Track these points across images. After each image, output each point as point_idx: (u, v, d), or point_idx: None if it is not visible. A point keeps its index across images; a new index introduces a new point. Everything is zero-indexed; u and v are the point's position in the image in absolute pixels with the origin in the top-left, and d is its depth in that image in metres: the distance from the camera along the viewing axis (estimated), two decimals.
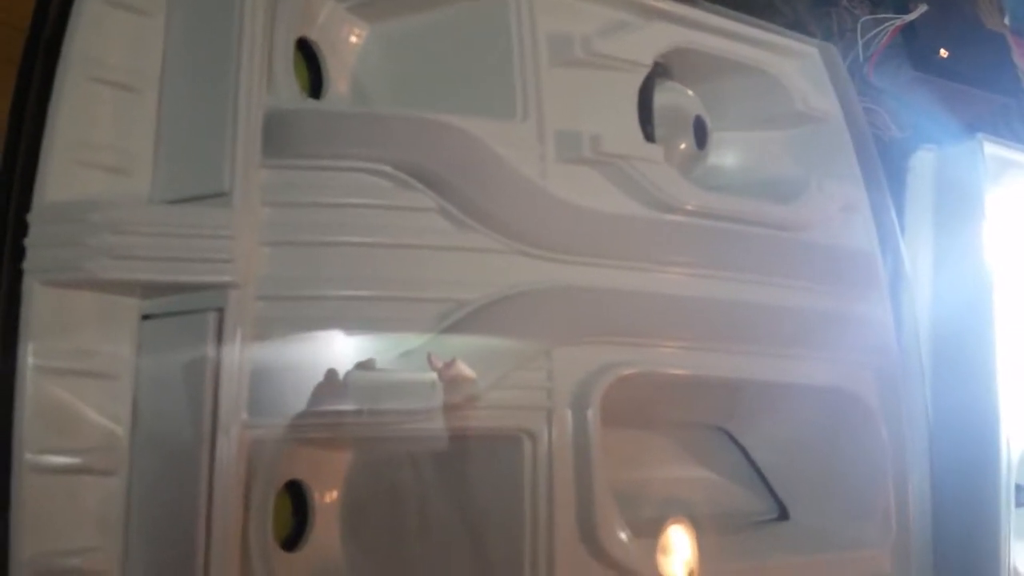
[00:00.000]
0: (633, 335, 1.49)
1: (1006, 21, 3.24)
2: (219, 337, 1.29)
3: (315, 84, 1.62)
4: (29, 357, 1.25)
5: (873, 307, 1.77)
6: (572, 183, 1.51)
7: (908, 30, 2.86)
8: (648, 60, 1.61)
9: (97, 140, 1.36)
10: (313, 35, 1.58)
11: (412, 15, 1.62)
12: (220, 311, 1.30)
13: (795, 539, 1.73)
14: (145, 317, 1.35)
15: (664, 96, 1.70)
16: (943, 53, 2.87)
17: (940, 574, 1.83)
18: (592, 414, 1.41)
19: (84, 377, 1.29)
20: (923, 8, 2.84)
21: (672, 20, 1.66)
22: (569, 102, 1.54)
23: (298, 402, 1.32)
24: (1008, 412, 1.93)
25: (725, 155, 1.80)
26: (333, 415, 1.32)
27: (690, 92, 1.76)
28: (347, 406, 1.32)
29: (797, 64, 1.83)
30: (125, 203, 1.34)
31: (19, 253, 1.28)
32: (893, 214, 1.82)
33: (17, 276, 1.28)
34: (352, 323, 1.36)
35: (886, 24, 2.80)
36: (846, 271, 1.74)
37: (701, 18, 1.70)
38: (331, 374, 1.33)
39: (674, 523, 1.56)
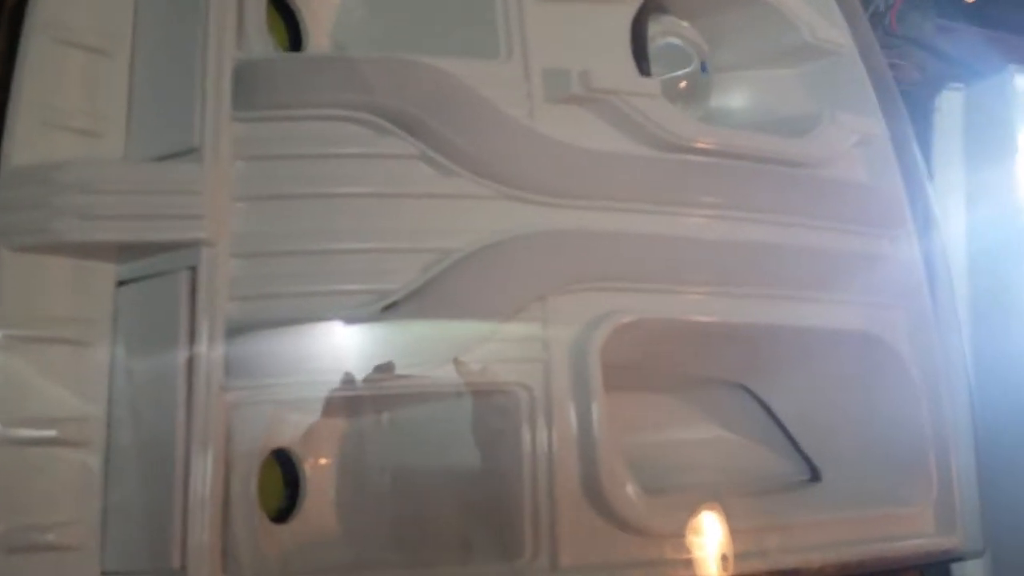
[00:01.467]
0: (634, 280, 1.39)
1: None
2: (192, 297, 1.24)
3: (294, 42, 1.57)
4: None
5: (899, 247, 1.65)
6: (562, 123, 1.42)
7: None
8: None
9: (66, 104, 1.32)
10: None
11: None
12: (192, 269, 1.25)
13: (829, 499, 1.61)
14: (121, 283, 1.31)
15: (658, 29, 1.60)
16: None
17: (990, 532, 1.69)
18: (592, 363, 1.32)
19: (57, 345, 1.24)
20: None
21: None
22: (556, 39, 1.45)
23: (279, 363, 1.26)
24: None
25: (729, 95, 1.70)
26: (316, 374, 1.26)
27: (686, 24, 1.67)
28: (331, 365, 1.25)
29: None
30: (93, 164, 1.30)
31: None
32: (916, 148, 1.70)
33: None
34: (333, 277, 1.30)
35: None
36: (867, 208, 1.63)
37: None
38: (311, 331, 1.26)
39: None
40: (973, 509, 1.68)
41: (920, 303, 1.66)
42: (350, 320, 1.26)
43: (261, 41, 1.43)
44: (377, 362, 1.26)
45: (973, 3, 2.74)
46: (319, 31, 1.57)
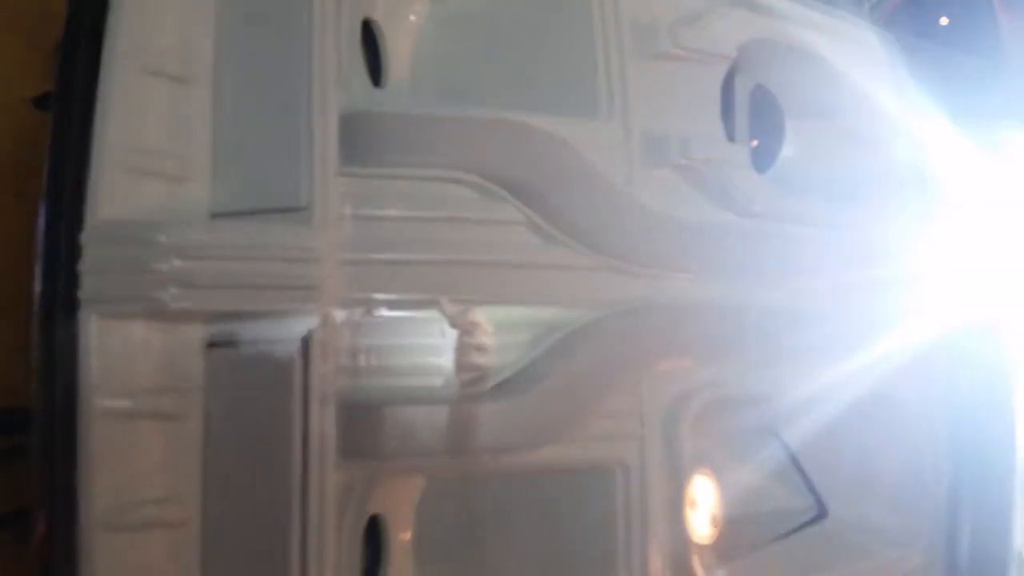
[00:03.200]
0: (724, 353, 1.43)
1: None
2: (305, 371, 1.17)
3: (372, 68, 1.46)
4: (92, 402, 1.11)
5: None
6: (657, 189, 1.41)
7: None
8: (732, 51, 1.51)
9: (151, 143, 1.19)
10: (376, 14, 1.42)
11: None
12: (305, 341, 1.17)
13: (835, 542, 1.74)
14: (212, 344, 1.22)
15: (746, 90, 1.60)
16: (944, 21, 2.84)
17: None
18: (683, 437, 1.36)
19: (150, 420, 1.15)
20: None
21: (751, 7, 1.55)
22: (653, 99, 1.43)
23: (388, 438, 1.22)
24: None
25: (795, 147, 1.72)
26: (427, 453, 1.23)
27: (766, 85, 1.67)
28: (439, 445, 1.23)
29: (858, 50, 1.75)
30: (190, 219, 1.19)
31: (73, 279, 1.12)
32: None
33: (72, 306, 1.12)
34: (443, 350, 1.26)
35: None
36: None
37: (776, 5, 1.60)
38: (420, 412, 1.23)
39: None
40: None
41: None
42: (461, 400, 1.24)
43: (359, 77, 1.34)
44: (485, 441, 1.25)
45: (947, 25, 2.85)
46: (399, 60, 1.47)
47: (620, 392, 1.33)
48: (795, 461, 1.86)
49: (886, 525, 1.77)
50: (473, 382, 1.26)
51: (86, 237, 1.12)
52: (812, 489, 1.86)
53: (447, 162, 1.27)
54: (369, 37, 1.44)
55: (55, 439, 1.10)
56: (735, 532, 1.69)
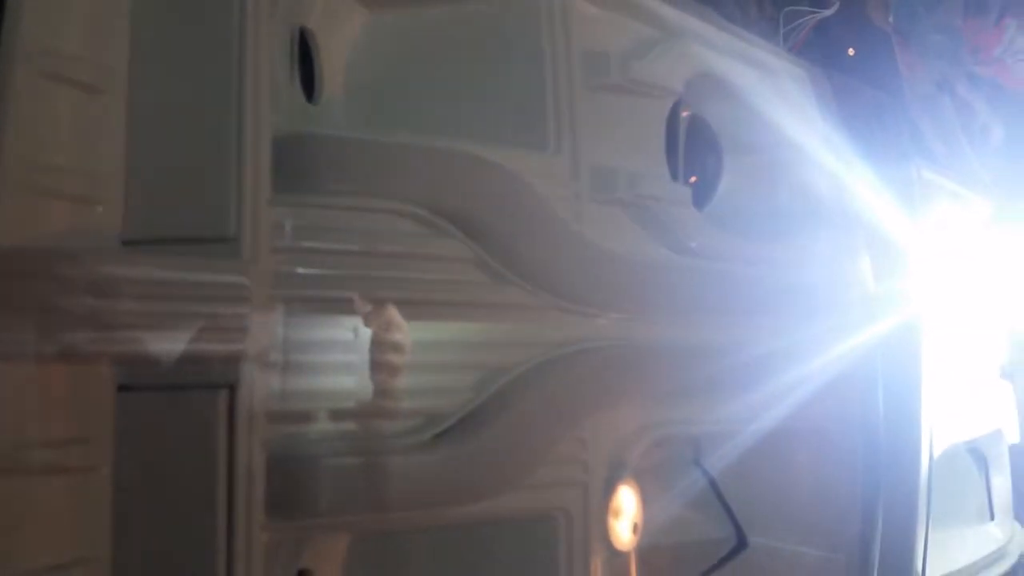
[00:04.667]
0: (670, 392, 1.40)
1: (890, 19, 3.36)
2: (231, 421, 1.06)
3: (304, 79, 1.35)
4: None
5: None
6: (604, 225, 1.37)
7: (821, 26, 2.89)
8: (679, 86, 1.48)
9: (56, 159, 1.05)
10: (311, 23, 1.30)
11: (421, 5, 1.38)
12: (231, 388, 1.06)
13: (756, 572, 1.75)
14: (123, 388, 1.08)
15: (688, 125, 1.58)
16: (851, 52, 2.93)
17: None
18: (630, 482, 1.32)
19: (55, 476, 1.02)
20: (836, 4, 2.87)
21: (697, 40, 1.53)
22: (603, 133, 1.38)
23: (321, 495, 1.12)
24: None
25: (731, 182, 1.72)
26: (364, 510, 1.14)
27: (707, 119, 1.65)
28: (376, 499, 1.14)
29: (792, 87, 1.77)
30: (99, 248, 1.05)
31: None
32: None
33: None
34: (381, 395, 1.17)
35: (806, 18, 2.81)
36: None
37: (718, 39, 1.58)
38: (354, 465, 1.14)
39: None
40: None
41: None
42: (399, 452, 1.15)
43: (293, 92, 1.23)
44: (424, 496, 1.17)
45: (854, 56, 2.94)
46: (334, 73, 1.36)
47: (564, 439, 1.28)
48: (717, 492, 1.87)
49: (805, 552, 1.79)
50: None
51: None
52: (733, 519, 1.87)
53: (391, 192, 1.17)
54: (303, 47, 1.34)
55: None
56: (660, 565, 1.68)
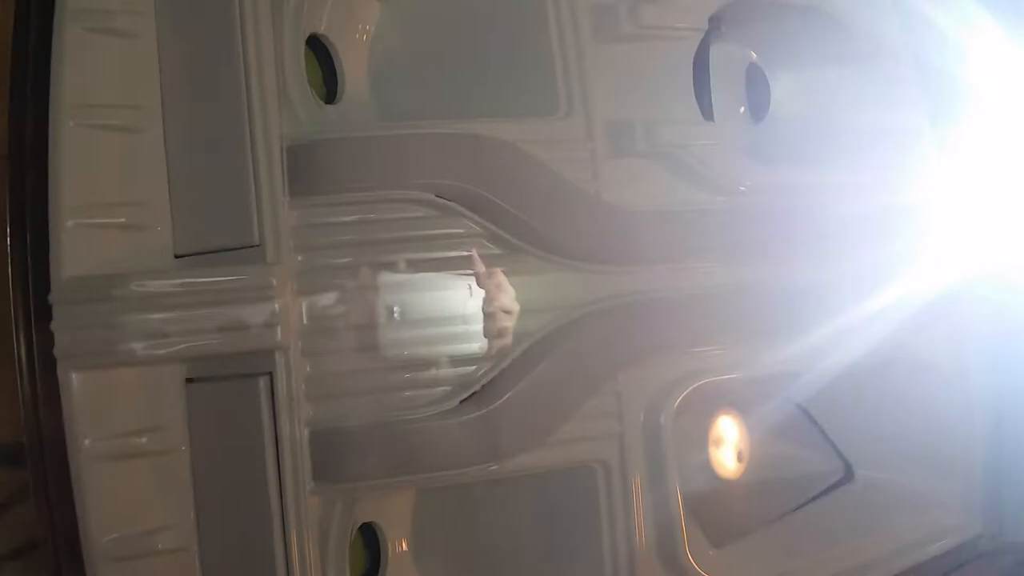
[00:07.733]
0: (705, 341, 1.40)
1: None
2: (272, 404, 1.22)
3: (328, 80, 1.46)
4: (81, 448, 1.19)
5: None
6: (624, 179, 1.37)
7: None
8: (704, 23, 1.42)
9: (107, 196, 1.24)
10: (322, 28, 1.40)
11: None
12: (269, 375, 1.22)
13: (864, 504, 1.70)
14: (190, 380, 1.28)
15: (721, 60, 1.51)
16: None
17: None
18: (666, 432, 1.35)
19: (141, 458, 1.23)
20: None
21: None
22: (616, 86, 1.37)
23: (363, 460, 1.27)
24: None
25: (787, 106, 1.62)
26: (398, 473, 1.27)
27: (748, 50, 1.57)
28: (413, 462, 1.26)
29: None
30: (152, 267, 1.23)
31: (49, 338, 1.19)
32: None
33: (51, 364, 1.20)
34: (408, 368, 1.28)
35: None
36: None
37: None
38: (390, 432, 1.26)
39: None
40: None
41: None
42: (428, 419, 1.26)
43: (308, 107, 1.34)
44: (459, 454, 1.28)
45: None
46: (355, 69, 1.45)
47: (596, 394, 1.33)
48: (817, 426, 1.82)
49: (917, 486, 1.72)
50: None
51: (53, 297, 1.19)
52: (837, 451, 1.82)
53: (396, 182, 1.26)
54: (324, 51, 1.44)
55: (48, 488, 1.20)
56: (758, 499, 1.70)
